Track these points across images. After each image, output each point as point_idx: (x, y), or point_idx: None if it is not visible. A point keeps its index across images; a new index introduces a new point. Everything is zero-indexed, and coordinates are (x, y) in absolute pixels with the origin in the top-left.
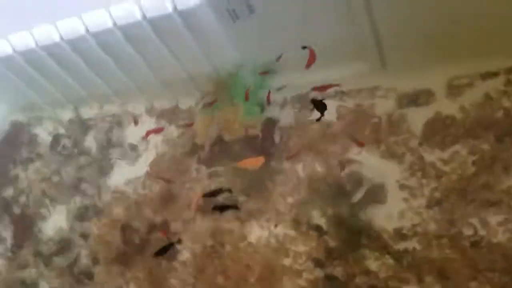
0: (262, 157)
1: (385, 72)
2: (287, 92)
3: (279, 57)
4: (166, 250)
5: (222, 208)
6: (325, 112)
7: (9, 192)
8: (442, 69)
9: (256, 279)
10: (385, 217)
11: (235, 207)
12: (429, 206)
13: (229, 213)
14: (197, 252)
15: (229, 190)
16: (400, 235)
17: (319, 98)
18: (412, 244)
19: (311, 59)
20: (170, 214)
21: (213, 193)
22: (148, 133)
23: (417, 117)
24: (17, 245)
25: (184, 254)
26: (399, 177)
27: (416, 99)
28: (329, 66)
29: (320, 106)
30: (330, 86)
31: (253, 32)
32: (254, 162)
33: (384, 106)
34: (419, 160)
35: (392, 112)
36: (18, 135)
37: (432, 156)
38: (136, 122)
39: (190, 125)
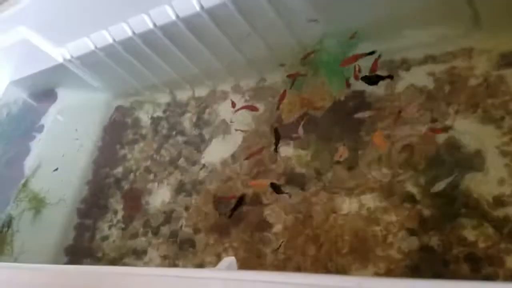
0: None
1: (479, 33)
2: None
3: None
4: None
5: (277, 190)
6: (418, 78)
7: (119, 170)
8: None
9: (348, 250)
10: (484, 184)
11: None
12: None
13: (312, 186)
14: (287, 223)
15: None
16: (499, 202)
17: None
18: None
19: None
20: (260, 187)
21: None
22: (242, 107)
23: None
24: (129, 217)
25: (275, 225)
26: (498, 142)
27: None
28: (419, 29)
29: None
30: (358, 56)
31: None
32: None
33: (480, 68)
34: None
35: (489, 74)
36: (123, 119)
37: None
38: (233, 105)
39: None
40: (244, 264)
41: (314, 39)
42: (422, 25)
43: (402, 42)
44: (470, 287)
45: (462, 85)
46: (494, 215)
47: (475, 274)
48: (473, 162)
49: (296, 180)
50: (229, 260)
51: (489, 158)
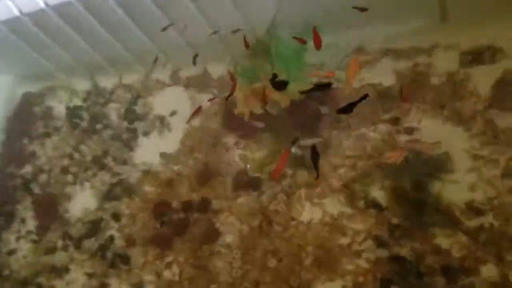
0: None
1: (445, 27)
2: (336, 53)
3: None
4: None
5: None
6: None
7: (27, 169)
8: None
9: (312, 262)
10: (455, 190)
11: None
12: (505, 176)
13: (276, 189)
14: (242, 232)
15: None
16: (473, 209)
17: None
18: (488, 219)
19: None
20: (210, 192)
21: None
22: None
23: (484, 77)
24: (43, 227)
25: (228, 236)
26: (467, 144)
27: (481, 56)
28: (385, 22)
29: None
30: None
31: None
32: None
33: (445, 66)
34: (489, 125)
35: (455, 71)
36: (31, 108)
37: (504, 120)
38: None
39: None
40: (193, 284)
41: (267, 27)
42: (388, 18)
43: (366, 35)
44: None
45: (427, 83)
46: (467, 224)
47: (452, 286)
48: (441, 165)
49: (251, 184)
50: None
51: (458, 161)
